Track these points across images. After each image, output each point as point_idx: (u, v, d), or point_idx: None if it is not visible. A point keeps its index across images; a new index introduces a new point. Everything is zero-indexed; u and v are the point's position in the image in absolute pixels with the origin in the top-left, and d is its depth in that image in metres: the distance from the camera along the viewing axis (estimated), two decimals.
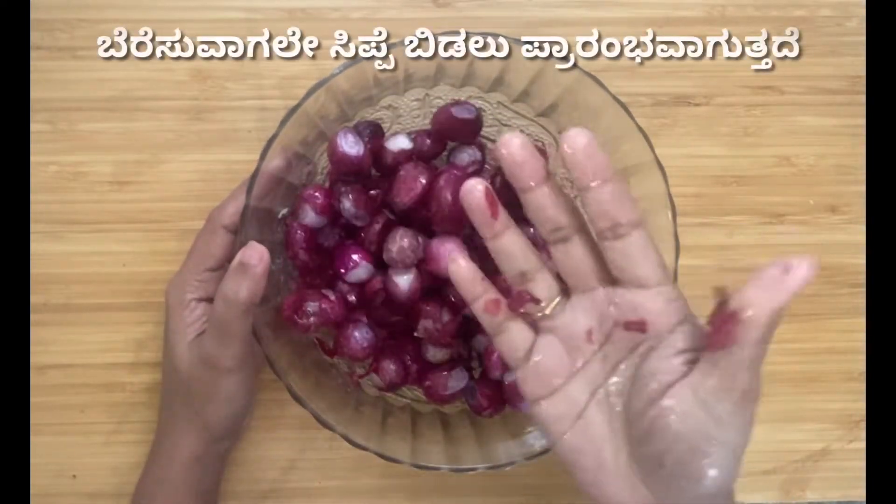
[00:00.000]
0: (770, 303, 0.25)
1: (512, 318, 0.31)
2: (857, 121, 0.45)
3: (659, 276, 0.29)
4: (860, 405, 0.46)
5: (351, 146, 0.36)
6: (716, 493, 0.28)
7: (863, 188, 0.46)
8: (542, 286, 0.31)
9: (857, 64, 0.45)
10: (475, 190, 0.29)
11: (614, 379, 0.30)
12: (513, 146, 0.28)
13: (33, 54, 0.43)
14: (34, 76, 0.43)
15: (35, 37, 0.43)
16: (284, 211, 0.39)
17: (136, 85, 0.43)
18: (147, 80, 0.43)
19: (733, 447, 0.27)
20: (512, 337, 0.31)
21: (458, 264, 0.31)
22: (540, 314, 0.31)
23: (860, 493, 0.46)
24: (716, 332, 0.26)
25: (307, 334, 0.39)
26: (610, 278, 0.30)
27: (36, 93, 0.43)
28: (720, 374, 0.26)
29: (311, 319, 0.37)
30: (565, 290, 0.31)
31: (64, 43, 0.43)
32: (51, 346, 0.44)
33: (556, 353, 0.30)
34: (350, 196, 0.37)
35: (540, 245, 0.33)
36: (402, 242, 0.37)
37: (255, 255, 0.33)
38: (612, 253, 0.29)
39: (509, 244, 0.31)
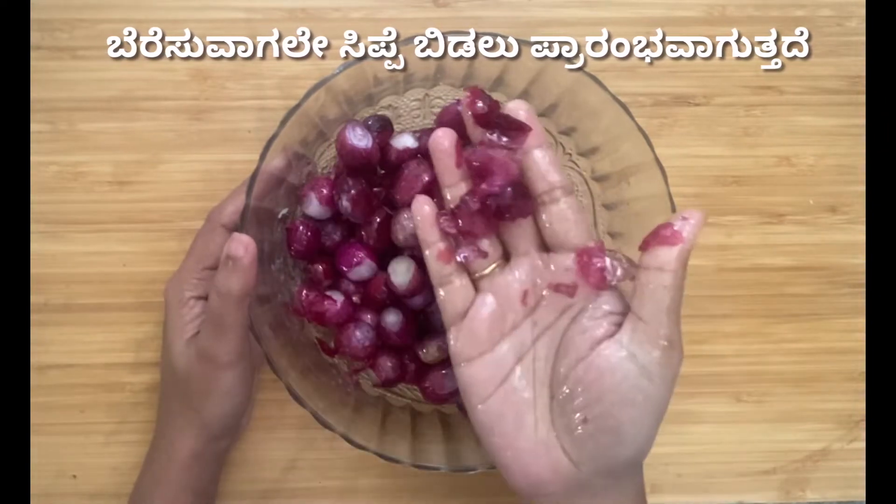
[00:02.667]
0: (674, 250, 0.28)
1: (458, 272, 0.32)
2: (857, 121, 0.46)
3: (588, 240, 0.31)
4: (860, 405, 0.46)
5: (359, 139, 0.37)
6: (632, 459, 0.29)
7: (863, 188, 0.46)
8: (488, 244, 0.32)
9: (857, 64, 0.46)
10: (444, 140, 0.32)
11: (541, 344, 0.31)
12: (520, 113, 0.31)
13: (33, 54, 0.43)
14: (34, 76, 0.43)
15: (35, 37, 0.43)
16: (284, 211, 0.39)
17: (136, 85, 0.43)
18: (147, 80, 0.43)
19: (656, 402, 0.28)
20: (455, 291, 0.32)
21: (421, 205, 0.32)
22: (483, 271, 0.32)
23: (860, 493, 0.46)
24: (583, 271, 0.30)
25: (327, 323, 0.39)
26: (545, 246, 0.32)
27: (36, 93, 0.43)
28: (644, 325, 0.28)
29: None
30: (505, 255, 0.33)
31: (64, 43, 0.43)
32: (51, 346, 0.44)
33: (491, 314, 0.31)
34: (350, 194, 0.37)
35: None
36: (408, 224, 0.37)
37: (240, 246, 0.33)
38: (549, 216, 0.31)
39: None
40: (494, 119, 0.31)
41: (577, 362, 0.29)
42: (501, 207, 0.31)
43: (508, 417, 0.30)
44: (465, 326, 0.32)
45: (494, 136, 0.31)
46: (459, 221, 0.32)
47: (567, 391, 0.29)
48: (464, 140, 0.33)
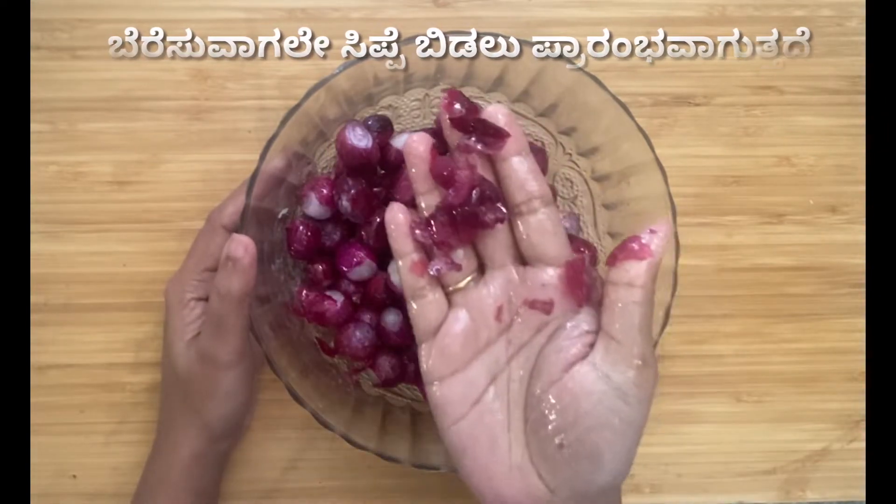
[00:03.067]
0: (643, 265, 0.27)
1: (432, 285, 0.31)
2: (857, 121, 0.45)
3: (567, 254, 0.30)
4: (860, 405, 0.46)
5: (359, 139, 0.37)
6: (610, 483, 0.28)
7: (863, 188, 0.46)
8: (462, 256, 0.31)
9: (857, 64, 0.45)
10: (419, 145, 0.30)
11: (515, 364, 0.30)
12: (499, 117, 0.30)
13: (33, 54, 0.43)
14: (34, 76, 0.43)
15: (35, 37, 0.43)
16: (284, 211, 0.39)
17: (136, 85, 0.43)
18: (147, 80, 0.43)
19: (633, 424, 0.27)
20: (428, 305, 0.31)
21: (395, 213, 0.31)
22: (457, 284, 0.31)
23: (860, 493, 0.46)
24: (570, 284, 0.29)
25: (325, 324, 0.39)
26: (522, 258, 0.31)
27: (36, 93, 0.43)
28: (617, 344, 0.27)
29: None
30: (480, 268, 0.32)
31: (64, 43, 0.43)
32: (51, 346, 0.44)
33: (465, 330, 0.30)
34: (350, 194, 0.37)
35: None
36: None
37: (240, 247, 0.32)
38: (526, 227, 0.30)
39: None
40: (472, 123, 0.30)
41: (550, 385, 0.28)
42: (467, 218, 0.30)
43: (482, 440, 0.29)
44: (437, 343, 0.31)
45: (471, 141, 0.30)
46: (433, 231, 0.30)
47: (541, 414, 0.28)
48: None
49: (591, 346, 0.28)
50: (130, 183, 0.44)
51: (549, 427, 0.28)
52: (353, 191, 0.37)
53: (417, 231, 0.31)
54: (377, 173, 0.40)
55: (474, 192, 0.30)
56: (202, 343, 0.36)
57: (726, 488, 0.46)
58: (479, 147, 0.30)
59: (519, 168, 0.30)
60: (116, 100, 0.43)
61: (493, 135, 0.29)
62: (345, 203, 0.37)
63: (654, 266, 0.27)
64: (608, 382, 0.27)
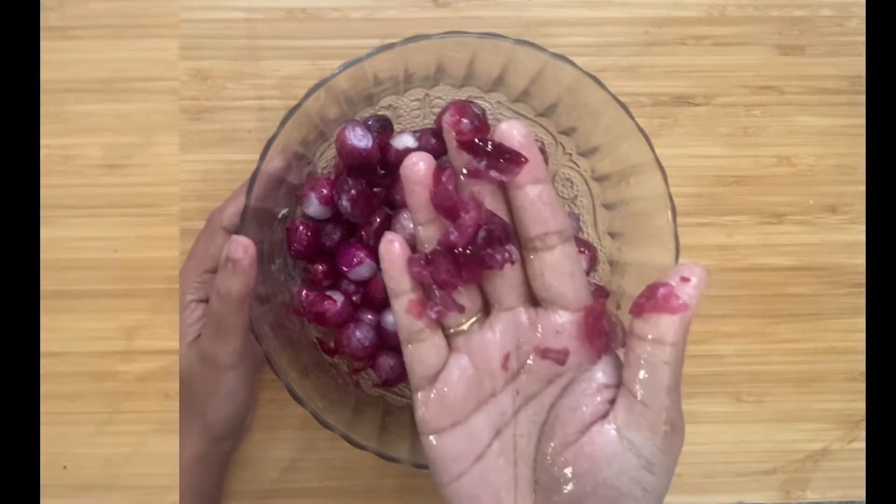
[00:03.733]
0: (675, 319, 0.24)
1: (431, 327, 0.28)
2: (857, 121, 0.46)
3: (585, 298, 0.27)
4: (860, 405, 0.46)
5: (359, 139, 0.37)
6: None
7: (863, 188, 0.46)
8: (466, 295, 0.28)
9: (857, 64, 0.46)
10: (419, 165, 0.26)
11: (524, 416, 0.27)
12: (514, 134, 0.26)
13: None
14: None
15: None
16: (284, 211, 0.39)
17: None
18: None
19: (657, 494, 0.25)
20: (426, 349, 0.28)
21: (390, 244, 0.27)
22: (459, 326, 0.28)
23: (860, 493, 0.46)
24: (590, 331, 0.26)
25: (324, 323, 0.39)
26: (534, 299, 0.27)
27: None
28: (642, 407, 0.24)
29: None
30: (485, 307, 0.28)
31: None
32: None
33: (467, 378, 0.27)
34: (350, 194, 0.37)
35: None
36: (408, 224, 0.37)
37: (240, 248, 0.32)
38: (541, 265, 0.26)
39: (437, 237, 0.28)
40: (483, 145, 0.26)
41: (564, 447, 0.25)
42: (470, 259, 0.26)
43: (484, 499, 0.26)
44: (435, 391, 0.27)
45: (482, 165, 0.26)
46: (434, 270, 0.27)
47: (554, 479, 0.25)
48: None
49: (611, 401, 0.26)
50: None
51: (564, 493, 0.25)
52: (353, 191, 0.37)
53: (415, 268, 0.27)
54: (377, 173, 0.40)
55: (480, 231, 0.26)
56: (202, 344, 0.36)
57: (726, 488, 0.46)
58: (491, 173, 0.26)
59: (536, 200, 0.26)
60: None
61: (507, 159, 0.25)
62: (345, 203, 0.37)
63: (687, 321, 0.24)
64: (632, 450, 0.24)
